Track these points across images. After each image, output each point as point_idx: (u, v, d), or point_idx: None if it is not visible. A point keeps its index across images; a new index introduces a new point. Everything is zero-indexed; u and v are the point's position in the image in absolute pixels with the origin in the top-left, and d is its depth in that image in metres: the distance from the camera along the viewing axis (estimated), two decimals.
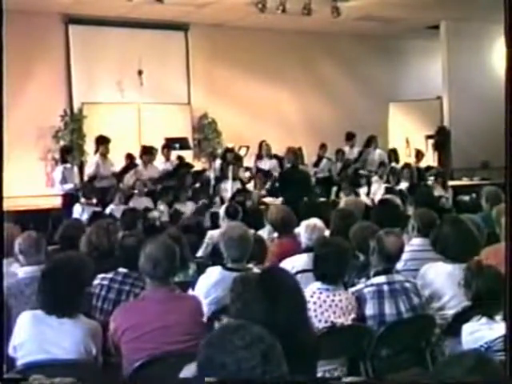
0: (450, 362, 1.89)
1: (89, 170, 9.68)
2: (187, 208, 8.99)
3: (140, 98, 11.87)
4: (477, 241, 4.22)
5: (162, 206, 8.88)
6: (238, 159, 10.45)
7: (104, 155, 9.51)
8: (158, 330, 3.30)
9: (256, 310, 2.57)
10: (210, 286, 4.05)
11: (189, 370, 2.44)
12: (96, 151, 9.69)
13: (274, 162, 10.87)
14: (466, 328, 3.31)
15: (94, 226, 4.88)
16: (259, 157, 11.07)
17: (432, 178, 10.62)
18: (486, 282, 3.39)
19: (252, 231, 5.30)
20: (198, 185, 9.89)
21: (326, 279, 3.64)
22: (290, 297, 2.69)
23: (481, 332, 3.23)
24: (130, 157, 9.96)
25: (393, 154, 11.57)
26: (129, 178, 9.48)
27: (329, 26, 12.23)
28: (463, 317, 3.79)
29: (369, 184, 10.34)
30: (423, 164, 11.81)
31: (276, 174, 10.46)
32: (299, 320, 2.68)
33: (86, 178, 9.90)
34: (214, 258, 4.85)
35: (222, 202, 9.18)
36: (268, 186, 10.22)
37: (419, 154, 11.81)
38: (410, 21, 12.41)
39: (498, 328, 3.20)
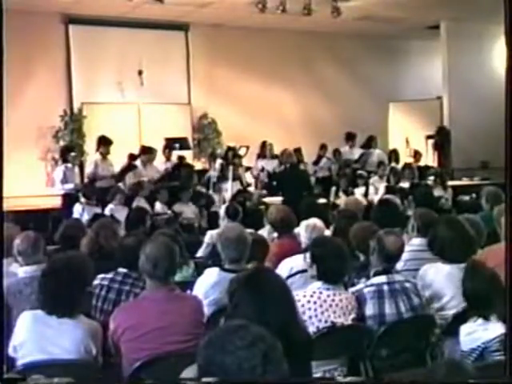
0: (425, 375, 1.94)
1: (89, 170, 9.66)
2: (189, 209, 8.98)
3: (140, 98, 11.86)
4: (473, 241, 4.21)
5: (158, 206, 8.86)
6: (239, 158, 10.46)
7: (103, 155, 9.48)
8: (158, 329, 3.30)
9: (245, 311, 2.57)
10: (208, 287, 4.05)
11: (191, 371, 2.43)
12: (97, 151, 9.68)
13: (276, 161, 10.89)
14: (464, 329, 3.31)
15: (99, 227, 4.88)
16: (261, 156, 11.09)
17: (431, 177, 10.61)
18: (479, 283, 3.39)
19: (252, 231, 5.32)
20: (198, 186, 9.89)
21: (326, 279, 3.64)
22: (278, 297, 2.69)
23: (478, 333, 3.24)
24: (131, 157, 9.95)
25: (393, 155, 11.57)
26: (129, 179, 9.47)
27: (329, 26, 12.22)
28: (463, 317, 3.79)
29: (367, 184, 10.35)
30: (422, 164, 11.80)
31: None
32: (288, 319, 2.68)
33: (85, 178, 9.89)
34: (214, 258, 4.85)
35: (224, 201, 9.19)
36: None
37: (417, 154, 11.81)
38: (410, 21, 12.41)
39: (494, 328, 3.20)
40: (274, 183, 10.11)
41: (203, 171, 10.62)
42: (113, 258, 4.29)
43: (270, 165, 10.80)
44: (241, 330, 1.84)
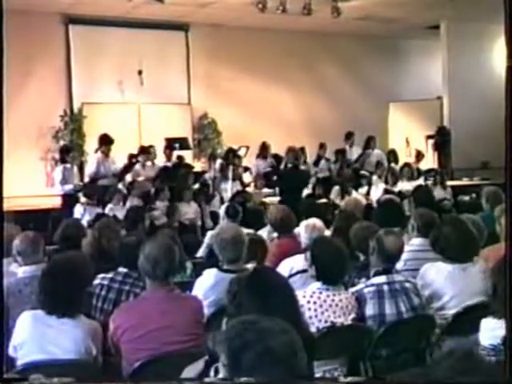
0: (440, 358, 1.88)
1: (90, 168, 9.58)
2: (191, 208, 8.98)
3: (140, 98, 11.87)
4: (477, 241, 4.22)
5: (158, 205, 8.85)
6: (238, 159, 10.47)
7: (105, 154, 9.47)
8: (158, 330, 3.30)
9: (248, 310, 2.56)
10: (207, 288, 4.04)
11: (191, 371, 2.42)
12: (97, 150, 9.66)
13: (271, 161, 10.94)
14: (486, 322, 3.15)
15: (102, 228, 4.88)
16: (261, 157, 11.10)
17: (431, 178, 10.59)
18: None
19: (252, 231, 5.32)
20: (197, 185, 9.88)
21: (326, 279, 3.63)
22: (280, 296, 2.69)
23: (501, 330, 3.08)
24: (131, 157, 9.95)
25: (392, 155, 11.57)
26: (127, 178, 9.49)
27: (329, 26, 12.22)
28: (463, 317, 3.80)
29: (369, 184, 10.36)
30: (423, 164, 11.79)
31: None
32: (292, 319, 2.67)
33: (86, 177, 9.87)
34: (213, 258, 4.85)
35: (222, 201, 9.19)
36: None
37: (419, 155, 11.79)
38: (410, 21, 12.41)
39: None
40: (275, 179, 10.12)
41: (201, 173, 10.58)
42: (113, 259, 4.29)
43: (267, 164, 10.86)
44: (265, 320, 1.78)
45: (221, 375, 1.76)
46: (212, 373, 1.89)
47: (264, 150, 11.11)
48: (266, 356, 1.68)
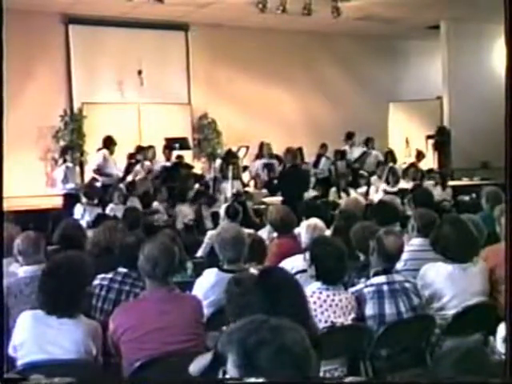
0: (441, 356, 1.86)
1: (98, 160, 9.62)
2: (191, 209, 8.99)
3: (140, 98, 11.87)
4: (477, 241, 4.21)
5: (155, 205, 8.87)
6: (237, 159, 10.48)
7: (111, 152, 9.56)
8: (158, 330, 3.30)
9: (256, 310, 2.56)
10: (207, 288, 4.04)
11: (200, 361, 2.41)
12: (99, 149, 9.70)
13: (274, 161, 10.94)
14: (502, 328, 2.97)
15: (104, 227, 4.90)
16: (260, 157, 11.10)
17: (432, 180, 10.58)
18: None
19: (252, 231, 5.32)
20: (197, 186, 9.89)
21: (326, 279, 3.63)
22: (290, 296, 2.69)
23: None
24: (131, 156, 9.97)
25: (390, 155, 11.57)
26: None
27: (329, 26, 12.23)
28: (463, 317, 3.80)
29: (368, 184, 10.36)
30: (423, 164, 11.79)
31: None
32: (300, 319, 2.67)
33: (91, 171, 9.88)
34: (213, 258, 4.85)
35: (226, 201, 9.19)
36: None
37: (420, 155, 11.79)
38: (410, 21, 12.42)
39: None
40: (275, 182, 10.14)
41: (200, 176, 10.57)
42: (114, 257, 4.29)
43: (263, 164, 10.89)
44: (272, 319, 1.76)
45: (228, 376, 1.74)
46: (220, 375, 1.87)
47: (262, 149, 11.11)
48: (282, 353, 1.66)
